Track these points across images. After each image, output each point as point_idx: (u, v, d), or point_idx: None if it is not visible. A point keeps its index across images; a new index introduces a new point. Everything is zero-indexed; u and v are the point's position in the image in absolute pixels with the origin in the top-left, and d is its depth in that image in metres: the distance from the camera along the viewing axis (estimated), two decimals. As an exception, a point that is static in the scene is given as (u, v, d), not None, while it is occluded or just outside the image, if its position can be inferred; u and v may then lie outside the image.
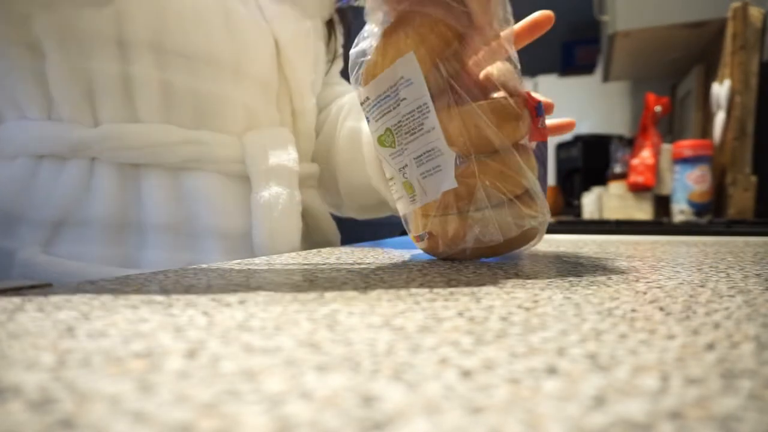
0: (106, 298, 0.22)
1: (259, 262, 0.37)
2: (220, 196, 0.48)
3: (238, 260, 0.40)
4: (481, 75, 0.35)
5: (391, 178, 0.38)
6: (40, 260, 0.42)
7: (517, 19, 0.38)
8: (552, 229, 0.91)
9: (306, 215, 0.57)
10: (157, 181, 0.47)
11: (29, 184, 0.45)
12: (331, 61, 0.66)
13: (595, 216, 1.52)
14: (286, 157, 0.52)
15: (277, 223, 0.50)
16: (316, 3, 0.59)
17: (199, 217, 0.47)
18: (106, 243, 0.44)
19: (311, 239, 0.59)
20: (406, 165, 0.35)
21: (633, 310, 0.20)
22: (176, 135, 0.47)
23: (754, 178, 1.18)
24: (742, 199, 1.18)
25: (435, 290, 0.25)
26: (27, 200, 0.45)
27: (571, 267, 0.35)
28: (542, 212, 0.36)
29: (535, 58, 3.65)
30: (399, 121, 0.34)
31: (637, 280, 0.28)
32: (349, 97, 0.65)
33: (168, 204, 0.47)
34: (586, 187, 1.75)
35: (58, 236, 0.44)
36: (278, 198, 0.50)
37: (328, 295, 0.23)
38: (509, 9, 0.35)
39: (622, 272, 0.32)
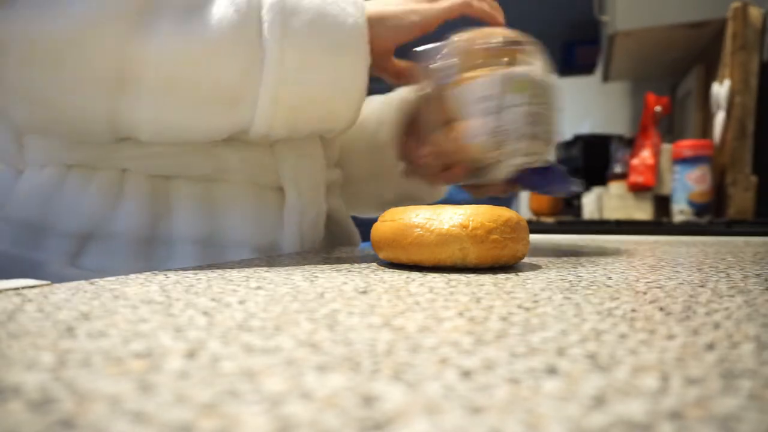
0: (106, 298, 0.22)
1: (259, 262, 0.37)
2: (252, 208, 0.48)
3: (239, 260, 0.40)
4: None
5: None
6: (69, 273, 0.42)
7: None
8: (552, 229, 0.91)
9: (330, 222, 0.58)
10: (187, 192, 0.46)
11: (57, 194, 0.44)
12: None
13: (595, 216, 1.52)
14: (317, 166, 0.52)
15: (306, 233, 0.50)
16: None
17: (230, 230, 0.47)
18: (133, 257, 0.44)
19: (336, 246, 0.59)
20: None
21: (633, 310, 0.20)
22: (206, 144, 0.46)
23: (754, 178, 1.18)
24: (742, 199, 1.18)
25: (435, 290, 0.25)
26: (55, 211, 0.44)
27: (571, 267, 0.35)
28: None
29: (535, 58, 3.66)
30: None
31: (637, 280, 0.28)
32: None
33: (199, 216, 0.46)
34: (586, 187, 1.75)
35: (85, 249, 0.43)
36: (310, 208, 0.50)
37: (328, 295, 0.23)
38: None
39: (622, 272, 0.32)
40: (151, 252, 0.44)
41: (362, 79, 0.42)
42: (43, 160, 0.45)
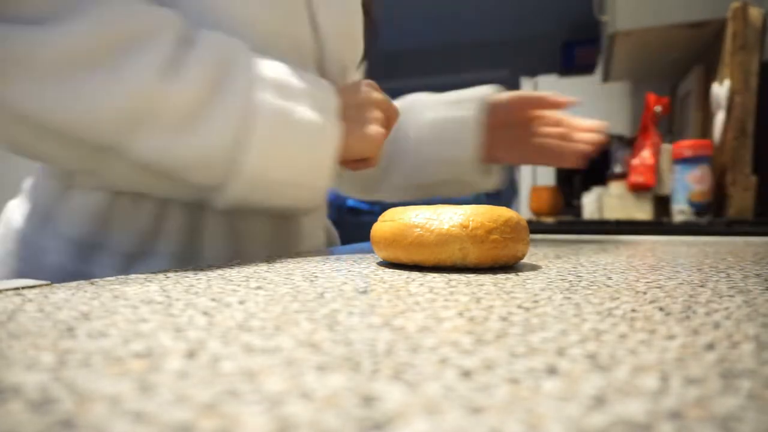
0: (106, 298, 0.22)
1: (259, 262, 0.37)
2: (268, 236, 0.52)
3: (238, 260, 0.40)
4: None
5: None
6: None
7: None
8: (552, 229, 0.91)
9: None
10: (216, 221, 0.49)
11: (107, 216, 0.47)
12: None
13: (595, 216, 1.52)
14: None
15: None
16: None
17: (248, 256, 0.51)
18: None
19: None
20: None
21: (633, 310, 0.20)
22: None
23: (754, 178, 1.18)
24: (742, 199, 1.18)
25: (435, 290, 0.25)
26: (105, 230, 0.47)
27: (571, 267, 0.35)
28: None
29: (535, 58, 3.66)
30: None
31: (637, 280, 0.28)
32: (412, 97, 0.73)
33: (223, 244, 0.50)
34: (586, 187, 1.75)
35: (132, 266, 0.47)
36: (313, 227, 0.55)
37: (328, 295, 0.23)
38: None
39: (622, 272, 0.32)
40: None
41: (327, 174, 0.45)
42: (94, 185, 0.47)
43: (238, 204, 0.44)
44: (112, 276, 0.44)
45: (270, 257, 0.42)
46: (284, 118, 0.41)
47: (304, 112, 0.43)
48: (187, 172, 0.41)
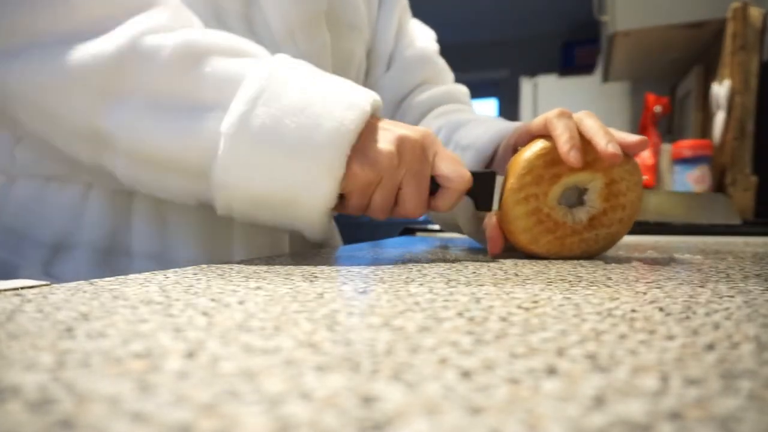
0: (106, 299, 0.22)
1: (259, 263, 0.37)
2: (200, 228, 0.48)
3: (239, 259, 0.40)
4: None
5: None
6: (41, 280, 0.44)
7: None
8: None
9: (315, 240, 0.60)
10: (145, 209, 0.47)
11: (36, 204, 0.47)
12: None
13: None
14: None
15: (258, 248, 0.50)
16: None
17: (179, 248, 0.48)
18: (96, 266, 0.46)
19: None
20: None
21: (633, 311, 0.20)
22: None
23: (754, 178, 1.18)
24: (742, 199, 1.18)
25: (435, 290, 0.25)
26: (32, 220, 0.46)
27: (571, 267, 0.35)
28: None
29: (535, 58, 3.66)
30: None
31: (637, 280, 0.28)
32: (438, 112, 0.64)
33: (153, 233, 0.47)
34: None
35: (56, 257, 0.46)
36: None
37: (328, 295, 0.23)
38: None
39: (622, 272, 0.32)
40: (112, 262, 0.47)
41: (324, 187, 0.37)
42: (30, 170, 0.47)
43: (233, 213, 0.41)
44: (33, 269, 0.44)
45: (270, 257, 0.42)
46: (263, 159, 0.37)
47: (289, 161, 0.37)
48: (164, 161, 0.38)
